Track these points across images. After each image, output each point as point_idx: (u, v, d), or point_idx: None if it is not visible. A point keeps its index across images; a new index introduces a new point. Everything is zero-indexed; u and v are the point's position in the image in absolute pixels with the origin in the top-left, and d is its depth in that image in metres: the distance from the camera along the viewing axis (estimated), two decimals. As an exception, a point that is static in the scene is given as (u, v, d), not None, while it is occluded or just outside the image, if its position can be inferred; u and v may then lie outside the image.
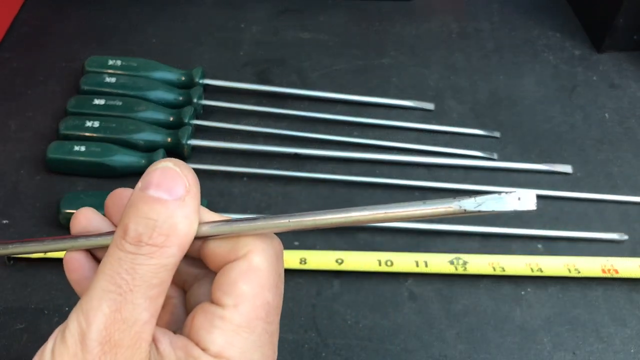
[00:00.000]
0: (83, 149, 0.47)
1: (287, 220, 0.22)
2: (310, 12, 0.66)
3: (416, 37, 0.64)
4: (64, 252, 0.25)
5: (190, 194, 0.22)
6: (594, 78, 0.60)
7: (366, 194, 0.49)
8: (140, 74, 0.54)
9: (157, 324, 0.22)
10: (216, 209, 0.47)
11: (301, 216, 0.22)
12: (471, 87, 0.58)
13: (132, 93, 0.52)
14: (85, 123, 0.49)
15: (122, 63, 0.54)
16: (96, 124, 0.49)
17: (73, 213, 0.43)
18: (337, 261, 0.43)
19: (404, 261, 0.43)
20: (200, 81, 0.55)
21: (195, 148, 0.51)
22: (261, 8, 0.66)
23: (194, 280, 0.26)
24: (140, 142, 0.49)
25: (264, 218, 0.23)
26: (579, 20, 0.66)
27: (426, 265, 0.43)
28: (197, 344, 0.22)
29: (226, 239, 0.23)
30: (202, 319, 0.22)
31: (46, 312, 0.41)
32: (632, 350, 0.40)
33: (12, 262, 0.43)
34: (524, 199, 0.20)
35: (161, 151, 0.48)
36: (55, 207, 0.45)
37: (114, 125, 0.49)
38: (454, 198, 0.21)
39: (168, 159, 0.23)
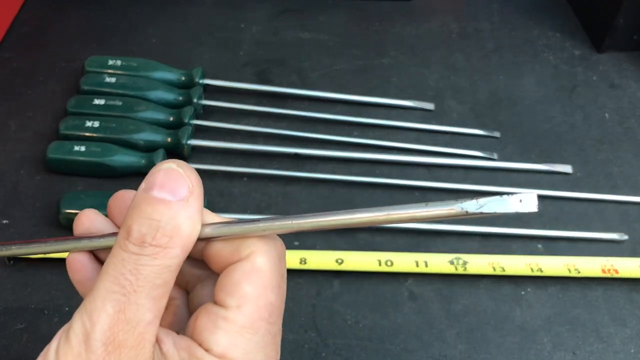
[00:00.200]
0: (83, 149, 0.47)
1: (290, 222, 0.23)
2: (310, 12, 0.66)
3: (416, 37, 0.64)
4: (67, 252, 0.25)
5: (194, 195, 0.22)
6: (594, 78, 0.60)
7: (366, 194, 0.49)
8: (140, 74, 0.54)
9: (161, 325, 0.22)
10: (216, 209, 0.47)
11: (304, 218, 0.23)
12: (471, 87, 0.58)
13: (132, 93, 0.52)
14: (85, 123, 0.49)
15: (122, 63, 0.54)
16: (96, 124, 0.49)
17: (73, 213, 0.44)
18: (337, 261, 0.43)
19: (404, 261, 0.43)
20: (200, 81, 0.55)
21: (195, 148, 0.51)
22: (261, 8, 0.66)
23: (197, 281, 0.26)
24: (140, 142, 0.49)
25: (267, 219, 0.23)
26: (579, 20, 0.66)
27: (426, 265, 0.43)
28: (200, 345, 0.22)
29: (229, 240, 0.23)
30: (206, 320, 0.22)
31: (46, 312, 0.41)
32: (632, 350, 0.40)
33: (12, 262, 0.43)
34: (525, 201, 0.20)
35: (161, 151, 0.48)
36: (55, 207, 0.45)
37: (114, 125, 0.49)
38: (456, 200, 0.21)
39: (171, 160, 0.23)
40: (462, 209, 0.21)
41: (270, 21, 0.65)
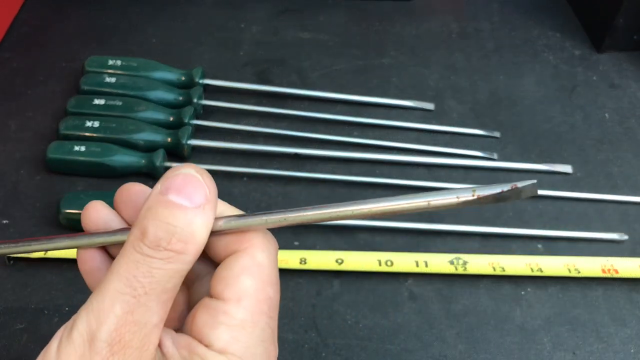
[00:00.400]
0: (83, 149, 0.47)
1: (295, 214, 0.23)
2: (310, 12, 0.66)
3: (416, 37, 0.64)
4: (76, 249, 0.25)
5: (210, 202, 0.22)
6: (594, 78, 0.60)
7: (366, 194, 0.49)
8: (140, 74, 0.54)
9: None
10: (216, 209, 0.46)
11: (307, 210, 0.23)
12: (471, 87, 0.58)
13: (132, 93, 0.52)
14: (85, 123, 0.49)
15: (122, 63, 0.54)
16: (96, 124, 0.49)
17: (73, 213, 0.44)
18: (337, 261, 0.43)
19: (404, 261, 0.43)
20: (200, 81, 0.55)
21: (195, 148, 0.51)
22: (261, 8, 0.66)
23: (197, 277, 0.26)
24: (140, 142, 0.49)
25: (273, 213, 0.23)
26: (579, 20, 0.66)
27: (426, 265, 0.43)
28: (200, 341, 0.22)
29: (230, 233, 0.23)
30: (205, 316, 0.22)
31: (46, 312, 0.41)
32: (632, 350, 0.40)
33: (12, 262, 0.43)
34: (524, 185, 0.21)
35: (161, 151, 0.48)
36: (55, 207, 0.45)
37: (114, 125, 0.49)
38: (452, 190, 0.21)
39: (190, 165, 0.23)
40: (458, 197, 0.21)
41: (270, 21, 0.65)
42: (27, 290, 0.42)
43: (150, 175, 0.49)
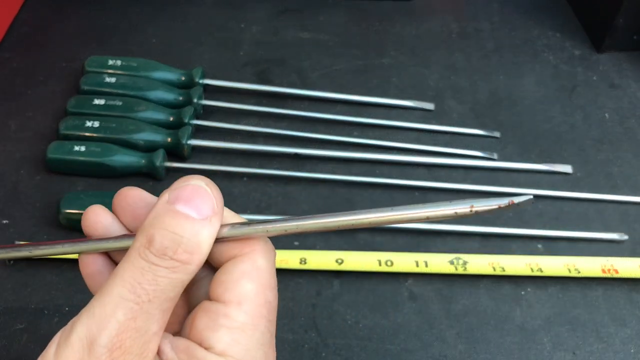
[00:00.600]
0: (83, 149, 0.47)
1: (297, 223, 0.23)
2: (310, 12, 0.66)
3: (416, 37, 0.64)
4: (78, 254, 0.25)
5: (217, 215, 0.22)
6: (594, 78, 0.60)
7: (366, 194, 0.49)
8: (140, 74, 0.54)
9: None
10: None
11: (309, 219, 0.23)
12: (471, 87, 0.58)
13: (132, 93, 0.52)
14: (85, 123, 0.49)
15: (122, 63, 0.54)
16: (96, 124, 0.49)
17: (73, 213, 0.44)
18: (337, 261, 0.43)
19: (404, 261, 0.43)
20: (200, 81, 0.55)
21: (195, 148, 0.51)
22: (261, 8, 0.66)
23: (195, 281, 0.26)
24: (140, 142, 0.49)
25: (275, 221, 0.23)
26: (579, 20, 0.66)
27: (426, 265, 0.43)
28: (200, 344, 0.22)
29: (233, 240, 0.24)
30: (205, 319, 0.22)
31: (46, 312, 0.41)
32: (632, 350, 0.40)
33: (12, 262, 0.43)
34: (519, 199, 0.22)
35: (161, 151, 0.48)
36: (55, 207, 0.45)
37: (114, 125, 0.49)
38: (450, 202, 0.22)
39: (199, 177, 0.23)
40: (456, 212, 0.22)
41: (270, 21, 0.65)
42: (27, 290, 0.42)
43: (150, 176, 0.49)
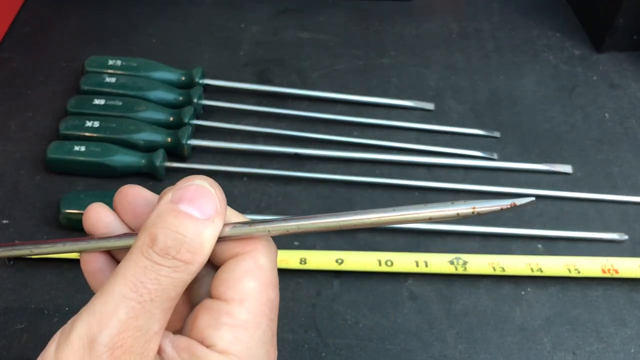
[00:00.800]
0: (83, 149, 0.47)
1: (298, 223, 0.23)
2: (310, 12, 0.66)
3: (416, 37, 0.64)
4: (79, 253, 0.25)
5: (220, 215, 0.23)
6: (594, 78, 0.60)
7: (366, 194, 0.49)
8: (140, 74, 0.54)
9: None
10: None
11: (312, 219, 0.23)
12: (471, 87, 0.58)
13: (132, 93, 0.52)
14: (85, 123, 0.49)
15: (122, 63, 0.54)
16: (96, 124, 0.49)
17: (73, 213, 0.44)
18: (337, 261, 0.43)
19: (404, 261, 0.43)
20: (200, 81, 0.55)
21: (195, 148, 0.51)
22: (261, 8, 0.66)
23: (195, 279, 0.26)
24: (140, 142, 0.49)
25: (277, 220, 0.24)
26: (579, 20, 0.66)
27: (426, 265, 0.43)
28: (202, 342, 0.22)
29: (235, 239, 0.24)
30: (207, 317, 0.22)
31: (46, 312, 0.41)
32: (632, 350, 0.40)
33: (12, 262, 0.43)
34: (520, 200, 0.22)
35: (161, 151, 0.48)
36: (55, 207, 0.45)
37: (114, 125, 0.49)
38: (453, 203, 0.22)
39: (202, 177, 0.23)
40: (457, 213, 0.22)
41: (270, 21, 0.65)
42: (27, 290, 0.42)
43: (150, 175, 0.49)
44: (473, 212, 0.22)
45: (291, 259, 0.43)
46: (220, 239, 0.23)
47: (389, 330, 0.41)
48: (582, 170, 0.51)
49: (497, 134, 0.54)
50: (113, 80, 0.53)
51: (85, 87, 0.52)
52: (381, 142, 0.52)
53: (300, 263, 0.43)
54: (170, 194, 0.22)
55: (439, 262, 0.43)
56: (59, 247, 0.25)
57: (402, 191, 0.49)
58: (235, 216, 0.25)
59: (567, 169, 0.51)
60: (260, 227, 0.23)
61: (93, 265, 0.25)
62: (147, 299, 0.21)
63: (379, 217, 0.23)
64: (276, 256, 0.25)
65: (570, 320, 0.42)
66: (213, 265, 0.24)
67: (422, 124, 0.54)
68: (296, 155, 0.51)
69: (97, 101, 0.51)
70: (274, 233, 0.23)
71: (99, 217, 0.25)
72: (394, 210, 0.22)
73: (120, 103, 0.51)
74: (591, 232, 0.46)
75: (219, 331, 0.22)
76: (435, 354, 0.40)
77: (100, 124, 0.49)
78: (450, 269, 0.43)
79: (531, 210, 0.48)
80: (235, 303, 0.22)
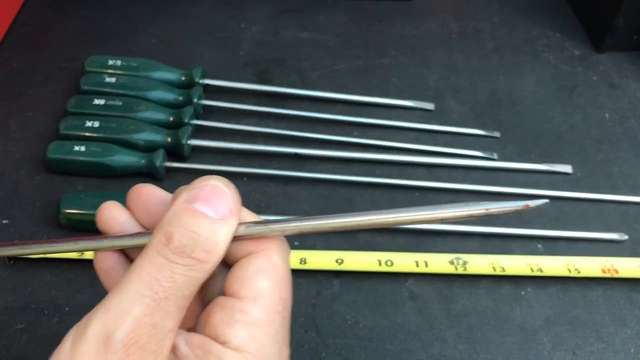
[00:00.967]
0: (83, 149, 0.47)
1: (312, 223, 0.24)
2: (310, 12, 0.66)
3: (416, 37, 0.64)
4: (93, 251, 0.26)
5: (234, 215, 0.23)
6: (594, 78, 0.60)
7: (366, 194, 0.49)
8: (140, 74, 0.54)
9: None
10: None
11: (326, 219, 0.24)
12: (471, 87, 0.58)
13: (132, 93, 0.52)
14: (85, 123, 0.49)
15: (122, 63, 0.54)
16: (96, 124, 0.49)
17: (73, 213, 0.44)
18: (337, 261, 0.43)
19: (404, 261, 0.43)
20: (200, 81, 0.55)
21: (195, 148, 0.51)
22: (261, 8, 0.66)
23: (209, 277, 0.26)
24: (140, 142, 0.49)
25: (290, 220, 0.24)
26: (579, 20, 0.66)
27: (426, 265, 0.43)
28: (215, 339, 0.22)
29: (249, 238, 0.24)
30: (221, 314, 0.22)
31: (46, 312, 0.41)
32: (632, 350, 0.40)
33: (12, 262, 0.43)
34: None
35: (161, 151, 0.48)
36: (55, 207, 0.45)
37: (114, 125, 0.49)
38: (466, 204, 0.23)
39: (217, 177, 0.23)
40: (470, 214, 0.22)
41: (270, 21, 0.65)
42: (27, 290, 0.42)
43: (150, 175, 0.49)
44: (486, 213, 0.22)
45: (291, 258, 0.42)
46: (235, 239, 0.23)
47: (389, 330, 0.41)
48: (582, 170, 0.51)
49: (497, 134, 0.54)
50: (113, 80, 0.53)
51: (85, 87, 0.52)
52: (381, 142, 0.52)
53: (300, 263, 0.43)
54: (185, 193, 0.23)
55: (439, 262, 0.43)
56: (73, 245, 0.25)
57: (402, 191, 0.49)
58: (248, 215, 0.25)
59: (567, 169, 0.51)
60: (275, 226, 0.24)
61: (107, 263, 0.25)
62: (162, 296, 0.21)
63: (394, 218, 0.23)
64: (289, 255, 0.25)
65: (570, 320, 0.42)
66: (226, 264, 0.25)
67: (422, 124, 0.54)
68: (296, 155, 0.51)
69: (97, 101, 0.51)
70: (289, 233, 0.24)
71: (112, 215, 0.25)
72: (408, 210, 0.23)
73: (120, 103, 0.51)
74: (591, 232, 0.46)
75: (233, 328, 0.22)
76: (435, 354, 0.40)
77: (100, 124, 0.49)
78: (450, 269, 0.43)
79: (531, 210, 0.48)
80: (249, 301, 0.22)
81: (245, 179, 0.50)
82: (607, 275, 0.43)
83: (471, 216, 0.22)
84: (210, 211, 0.22)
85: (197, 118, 0.53)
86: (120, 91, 0.52)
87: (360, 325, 0.41)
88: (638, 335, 0.41)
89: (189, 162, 0.50)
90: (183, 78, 0.55)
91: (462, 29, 0.65)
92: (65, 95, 0.54)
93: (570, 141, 0.54)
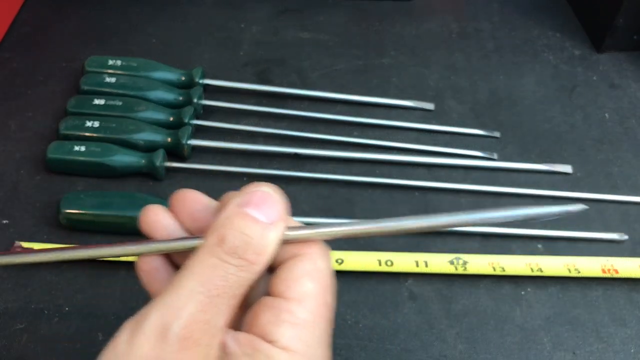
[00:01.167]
0: (83, 149, 0.47)
1: (361, 227, 0.25)
2: (310, 12, 0.66)
3: (416, 37, 0.64)
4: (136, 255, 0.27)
5: (282, 220, 0.24)
6: (594, 78, 0.60)
7: (366, 194, 0.49)
8: (140, 74, 0.54)
9: None
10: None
11: (371, 223, 0.24)
12: (471, 87, 0.58)
13: (132, 93, 0.52)
14: (85, 123, 0.49)
15: (122, 63, 0.54)
16: (96, 124, 0.49)
17: (73, 213, 0.44)
18: (337, 261, 0.43)
19: (404, 261, 0.43)
20: (200, 81, 0.55)
21: (195, 148, 0.51)
22: (261, 8, 0.66)
23: None
24: (140, 142, 0.49)
25: (336, 225, 0.25)
26: (579, 20, 0.66)
27: (426, 265, 0.43)
28: (262, 338, 0.23)
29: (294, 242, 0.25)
30: (268, 314, 0.23)
31: (46, 312, 0.41)
32: (632, 350, 0.40)
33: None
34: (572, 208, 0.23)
35: (161, 151, 0.48)
36: (55, 207, 0.45)
37: (114, 125, 0.49)
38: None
39: (267, 184, 0.25)
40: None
41: (270, 21, 0.65)
42: (27, 290, 0.42)
43: (150, 175, 0.49)
44: (529, 217, 0.23)
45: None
46: (282, 242, 0.24)
47: (389, 330, 0.41)
48: (582, 170, 0.51)
49: (497, 134, 0.54)
50: (113, 80, 0.53)
51: (85, 87, 0.52)
52: (381, 142, 0.52)
53: (300, 263, 0.43)
54: (238, 198, 0.24)
55: (439, 262, 0.43)
56: (119, 250, 0.26)
57: (402, 191, 0.49)
58: (289, 220, 0.26)
59: (567, 169, 0.51)
60: (322, 231, 0.25)
61: (150, 264, 0.26)
62: (214, 294, 0.22)
63: (443, 221, 0.24)
64: (330, 260, 0.26)
65: (570, 320, 0.42)
66: (268, 269, 0.25)
67: (422, 124, 0.54)
68: (296, 155, 0.51)
69: (97, 101, 0.51)
70: (336, 237, 0.25)
71: (157, 219, 0.26)
72: (453, 215, 0.24)
73: (120, 103, 0.51)
74: (591, 232, 0.46)
75: (280, 328, 0.23)
76: (435, 354, 0.40)
77: (100, 124, 0.49)
78: (450, 269, 0.43)
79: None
80: (295, 302, 0.23)
81: (245, 179, 0.49)
82: (607, 275, 0.43)
83: (516, 219, 0.23)
84: (261, 216, 0.24)
85: (197, 118, 0.53)
86: (120, 91, 0.52)
87: (360, 325, 0.41)
88: (638, 335, 0.41)
89: (189, 162, 0.50)
90: (183, 78, 0.55)
91: (462, 29, 0.65)
92: (65, 95, 0.54)
93: (570, 141, 0.54)
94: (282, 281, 0.24)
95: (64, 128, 0.49)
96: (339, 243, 0.45)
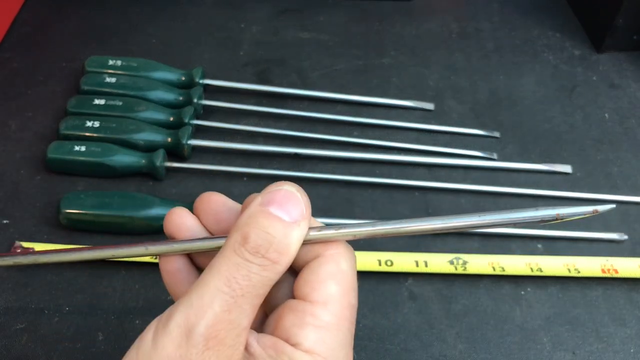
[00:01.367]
0: (83, 149, 0.47)
1: (384, 227, 0.24)
2: (310, 12, 0.66)
3: (416, 37, 0.64)
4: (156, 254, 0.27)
5: (305, 220, 0.24)
6: (594, 78, 0.60)
7: (366, 194, 0.49)
8: (140, 74, 0.54)
9: None
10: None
11: (397, 224, 0.24)
12: (471, 87, 0.58)
13: (132, 93, 0.52)
14: (85, 123, 0.49)
15: (122, 63, 0.54)
16: (96, 124, 0.49)
17: (73, 213, 0.44)
18: (337, 261, 0.43)
19: (404, 261, 0.43)
20: (200, 81, 0.55)
21: (195, 148, 0.51)
22: (261, 8, 0.66)
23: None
24: (140, 142, 0.49)
25: (357, 225, 0.25)
26: (579, 20, 0.66)
27: (426, 265, 0.43)
28: (286, 341, 0.23)
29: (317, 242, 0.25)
30: (292, 317, 0.23)
31: (46, 312, 0.41)
32: (632, 350, 0.40)
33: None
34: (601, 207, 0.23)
35: (161, 151, 0.48)
36: (55, 207, 0.45)
37: (114, 125, 0.49)
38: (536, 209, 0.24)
39: (290, 183, 0.24)
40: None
41: (270, 21, 0.65)
42: (27, 290, 0.42)
43: (150, 175, 0.49)
44: (557, 218, 0.23)
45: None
46: (304, 242, 0.24)
47: (389, 330, 0.41)
48: (582, 170, 0.51)
49: (497, 134, 0.54)
50: (113, 80, 0.53)
51: (86, 87, 0.52)
52: (381, 142, 0.52)
53: (300, 263, 0.43)
54: (260, 197, 0.24)
55: (438, 262, 0.43)
56: (143, 250, 0.26)
57: (402, 191, 0.49)
58: (313, 221, 0.26)
59: (567, 169, 0.51)
60: (346, 231, 0.24)
61: (173, 265, 0.26)
62: (239, 294, 0.22)
63: (469, 222, 0.24)
64: (355, 261, 0.25)
65: (570, 320, 0.42)
66: (291, 271, 0.25)
67: (422, 124, 0.54)
68: (296, 155, 0.51)
69: (97, 101, 0.51)
70: (360, 237, 0.24)
71: (182, 220, 0.27)
72: (480, 215, 0.24)
73: (121, 103, 0.51)
74: (591, 232, 0.46)
75: (304, 331, 0.23)
76: (435, 354, 0.40)
77: (100, 124, 0.49)
78: (450, 269, 0.43)
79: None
80: (319, 305, 0.23)
81: (245, 179, 0.50)
82: (607, 275, 0.43)
83: (542, 221, 0.23)
84: (284, 215, 0.23)
85: (197, 118, 0.53)
86: (121, 91, 0.52)
87: (360, 325, 0.41)
88: (638, 335, 0.41)
89: (189, 162, 0.50)
90: (183, 78, 0.55)
91: (462, 29, 0.65)
92: (65, 95, 0.54)
93: (570, 141, 0.54)
94: (306, 283, 0.24)
95: (64, 128, 0.49)
96: (339, 243, 0.45)
